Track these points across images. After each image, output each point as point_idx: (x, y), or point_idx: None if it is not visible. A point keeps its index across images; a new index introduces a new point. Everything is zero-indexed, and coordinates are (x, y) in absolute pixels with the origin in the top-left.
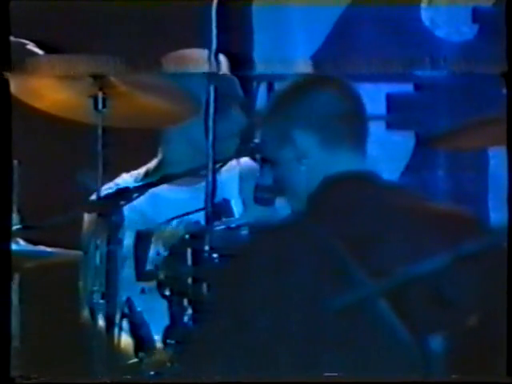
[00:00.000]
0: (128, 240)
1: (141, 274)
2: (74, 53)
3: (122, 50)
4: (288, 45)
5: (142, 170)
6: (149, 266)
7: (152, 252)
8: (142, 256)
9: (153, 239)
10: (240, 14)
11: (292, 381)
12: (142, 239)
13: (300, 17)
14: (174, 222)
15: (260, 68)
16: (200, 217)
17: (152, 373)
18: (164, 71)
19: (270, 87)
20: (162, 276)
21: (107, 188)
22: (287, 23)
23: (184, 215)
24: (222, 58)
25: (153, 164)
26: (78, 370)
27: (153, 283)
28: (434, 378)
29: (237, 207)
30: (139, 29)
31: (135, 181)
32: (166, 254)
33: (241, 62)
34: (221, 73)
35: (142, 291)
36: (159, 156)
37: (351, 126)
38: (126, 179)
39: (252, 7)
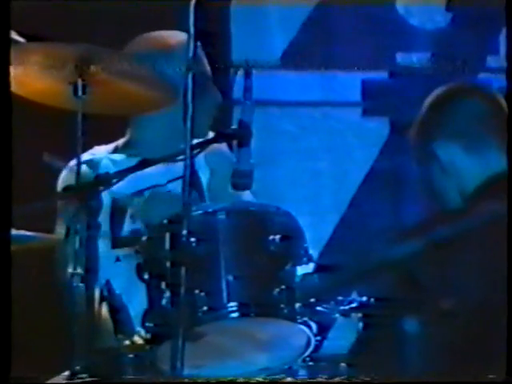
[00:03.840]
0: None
1: (116, 241)
2: (56, 40)
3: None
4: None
5: (111, 146)
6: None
7: (127, 220)
8: (117, 223)
9: (128, 208)
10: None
11: (293, 381)
12: (117, 208)
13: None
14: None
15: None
16: (172, 188)
17: (131, 355)
18: (142, 58)
19: (247, 74)
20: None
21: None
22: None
23: (156, 186)
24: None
25: (121, 142)
26: (57, 353)
27: (127, 250)
28: (433, 378)
29: (206, 183)
30: (119, 25)
31: (107, 152)
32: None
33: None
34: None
35: (117, 259)
36: (127, 136)
37: (494, 128)
38: (100, 150)
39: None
